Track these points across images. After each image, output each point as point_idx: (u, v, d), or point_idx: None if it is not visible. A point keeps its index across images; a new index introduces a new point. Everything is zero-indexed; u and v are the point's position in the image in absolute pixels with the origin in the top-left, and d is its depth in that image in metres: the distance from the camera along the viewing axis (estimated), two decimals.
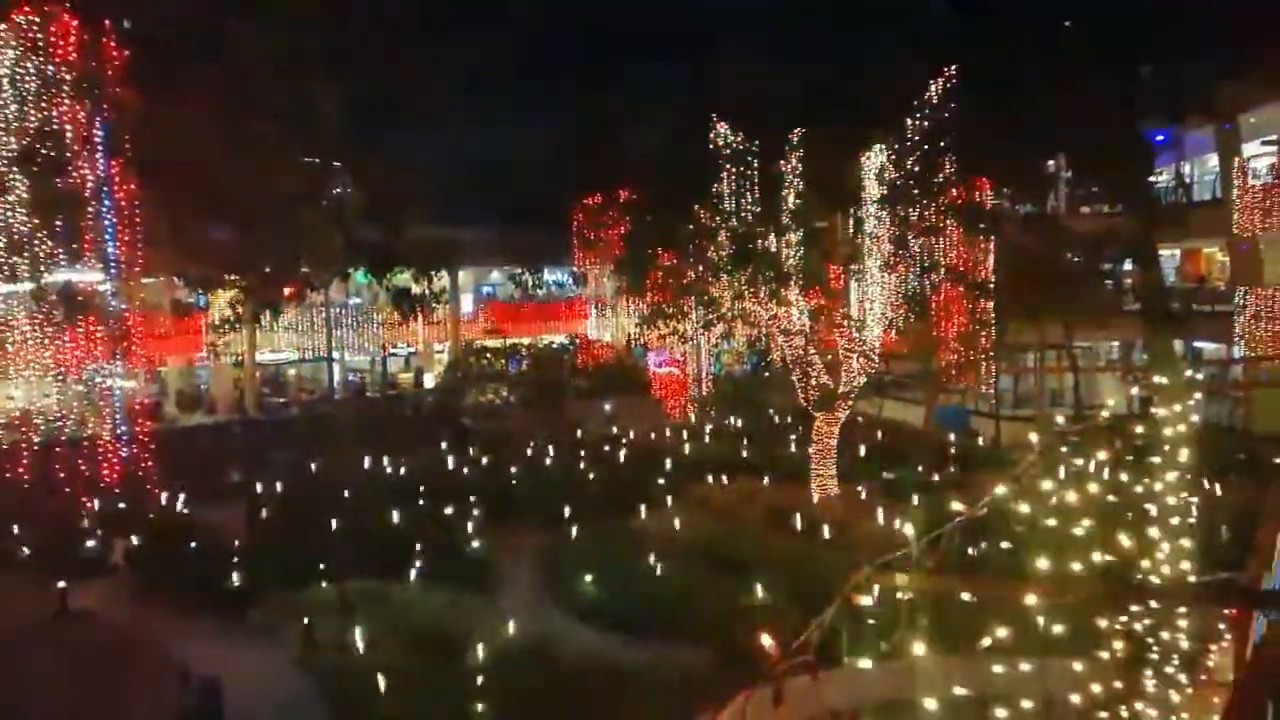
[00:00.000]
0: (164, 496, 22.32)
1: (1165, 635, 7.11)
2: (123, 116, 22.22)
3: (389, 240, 33.23)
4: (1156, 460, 7.17)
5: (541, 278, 50.10)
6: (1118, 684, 7.22)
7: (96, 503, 21.67)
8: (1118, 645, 7.12)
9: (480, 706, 12.19)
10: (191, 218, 26.71)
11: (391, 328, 39.84)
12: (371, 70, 30.42)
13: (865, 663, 7.20)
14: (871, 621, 9.20)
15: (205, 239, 28.70)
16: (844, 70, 28.82)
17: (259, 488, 23.28)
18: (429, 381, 43.17)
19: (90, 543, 19.82)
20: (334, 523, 19.50)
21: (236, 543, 19.39)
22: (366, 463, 25.38)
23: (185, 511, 21.97)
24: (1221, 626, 7.10)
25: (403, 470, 25.26)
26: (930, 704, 5.35)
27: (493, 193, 42.23)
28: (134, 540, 19.78)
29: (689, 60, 37.77)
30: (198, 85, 24.36)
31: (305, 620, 14.84)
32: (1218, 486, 17.98)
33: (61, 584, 16.80)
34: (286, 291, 33.81)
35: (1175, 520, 7.05)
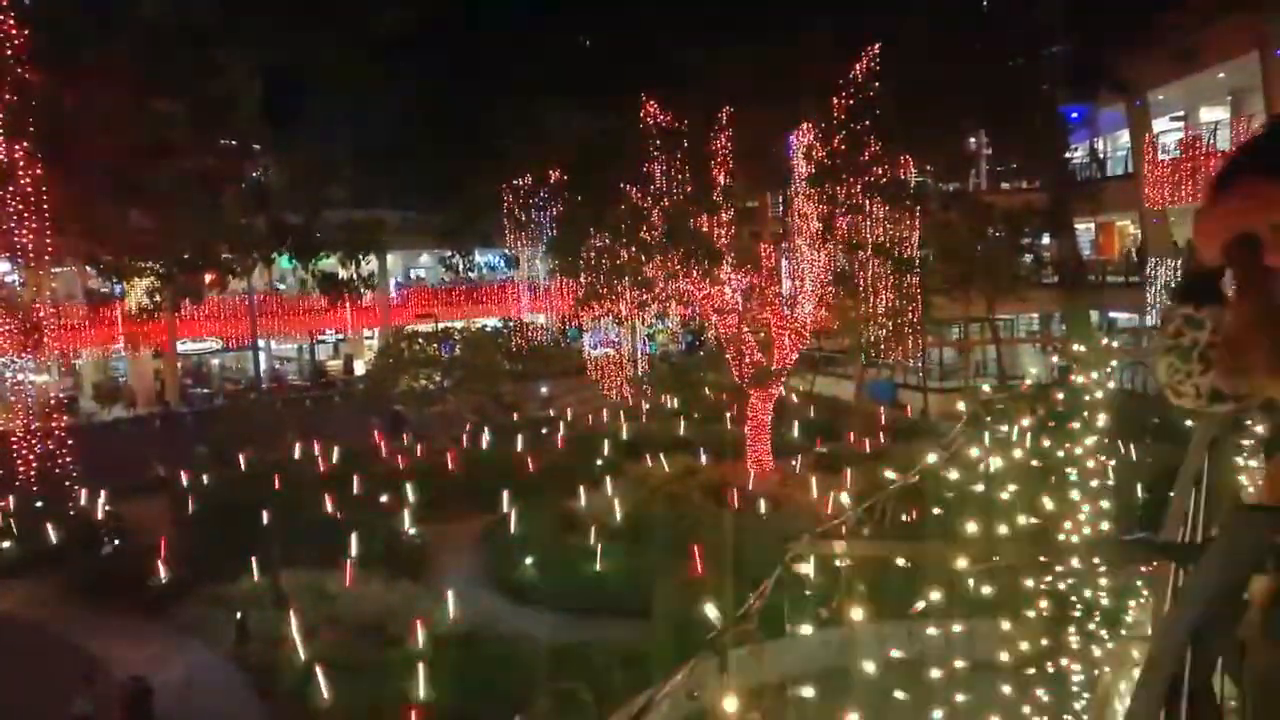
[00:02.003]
0: (84, 493, 21.52)
1: (1087, 594, 7.42)
2: (25, 96, 21.09)
3: (312, 223, 32.29)
4: (1076, 426, 7.46)
5: (472, 260, 49.37)
6: (1044, 641, 7.52)
7: (11, 501, 20.79)
8: (1043, 605, 7.41)
9: (420, 693, 12.09)
10: (103, 202, 25.53)
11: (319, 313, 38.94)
12: (290, 44, 29.44)
13: (806, 630, 7.35)
14: (808, 593, 9.38)
15: (118, 224, 27.47)
16: (772, 47, 28.91)
17: (184, 481, 22.61)
18: (359, 368, 42.33)
19: (6, 544, 19.04)
20: (264, 514, 19.06)
21: (163, 538, 18.80)
22: (297, 452, 24.80)
23: (108, 508, 21.22)
24: (1139, 583, 7.43)
25: (335, 459, 24.81)
26: (869, 668, 5.50)
27: (420, 175, 41.38)
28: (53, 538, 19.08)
29: (620, 37, 37.34)
30: (107, 62, 23.22)
31: (238, 614, 14.51)
32: (1133, 449, 18.72)
33: None
34: (207, 279, 32.67)
35: (1094, 483, 7.35)
